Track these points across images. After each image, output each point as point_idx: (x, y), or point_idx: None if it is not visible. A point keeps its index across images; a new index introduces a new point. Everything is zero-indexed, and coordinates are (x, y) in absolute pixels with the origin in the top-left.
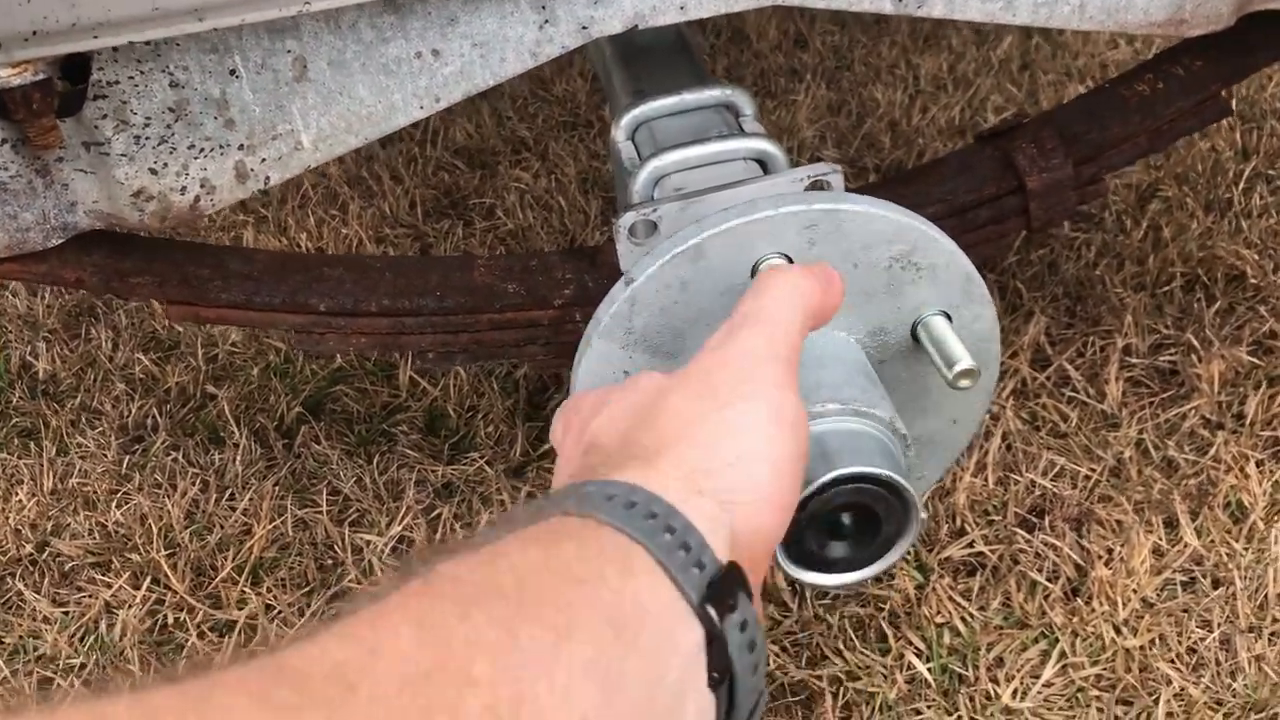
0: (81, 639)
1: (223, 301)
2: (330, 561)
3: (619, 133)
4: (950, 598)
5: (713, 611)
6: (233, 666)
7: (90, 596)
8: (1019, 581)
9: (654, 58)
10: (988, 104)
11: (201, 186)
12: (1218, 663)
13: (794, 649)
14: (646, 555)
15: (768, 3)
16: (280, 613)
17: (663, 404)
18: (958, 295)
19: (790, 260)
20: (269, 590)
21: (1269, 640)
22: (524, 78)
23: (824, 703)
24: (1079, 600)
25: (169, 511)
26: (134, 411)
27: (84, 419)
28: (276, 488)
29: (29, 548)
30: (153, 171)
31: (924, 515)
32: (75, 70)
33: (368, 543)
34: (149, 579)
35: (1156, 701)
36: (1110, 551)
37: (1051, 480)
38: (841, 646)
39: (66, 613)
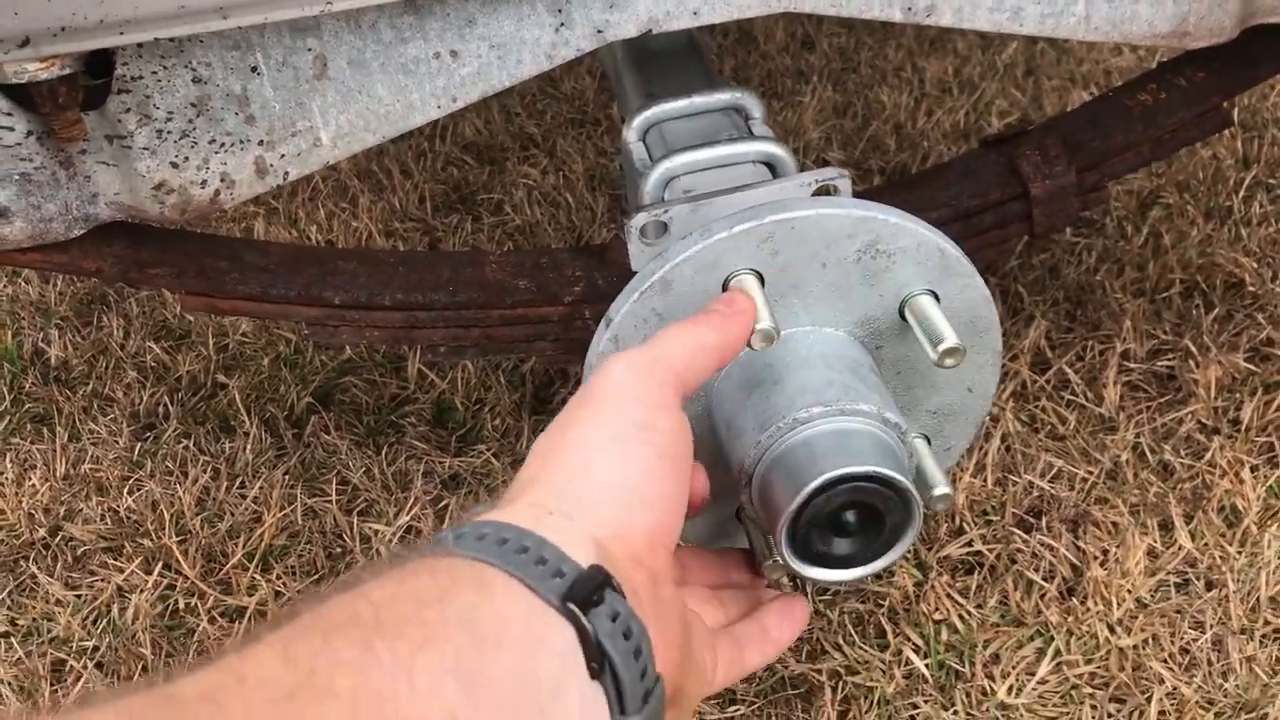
0: (94, 622)
1: (239, 293)
2: (339, 550)
3: (630, 134)
4: (948, 595)
5: (576, 609)
6: (106, 689)
7: (103, 581)
8: (1016, 580)
9: (665, 61)
10: (993, 108)
11: (221, 180)
12: (1210, 663)
13: (794, 643)
14: (500, 572)
15: (779, 9)
16: (289, 599)
17: (550, 438)
18: (936, 272)
19: (760, 274)
20: (278, 578)
21: (1260, 642)
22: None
23: (823, 696)
24: (1074, 600)
25: (180, 498)
26: (145, 399)
27: (96, 406)
28: (286, 476)
29: (42, 532)
30: (174, 165)
31: (948, 490)
32: (100, 64)
33: (376, 532)
34: (160, 564)
35: (1149, 700)
36: (1106, 553)
37: (1049, 482)
38: (841, 641)
39: (79, 596)
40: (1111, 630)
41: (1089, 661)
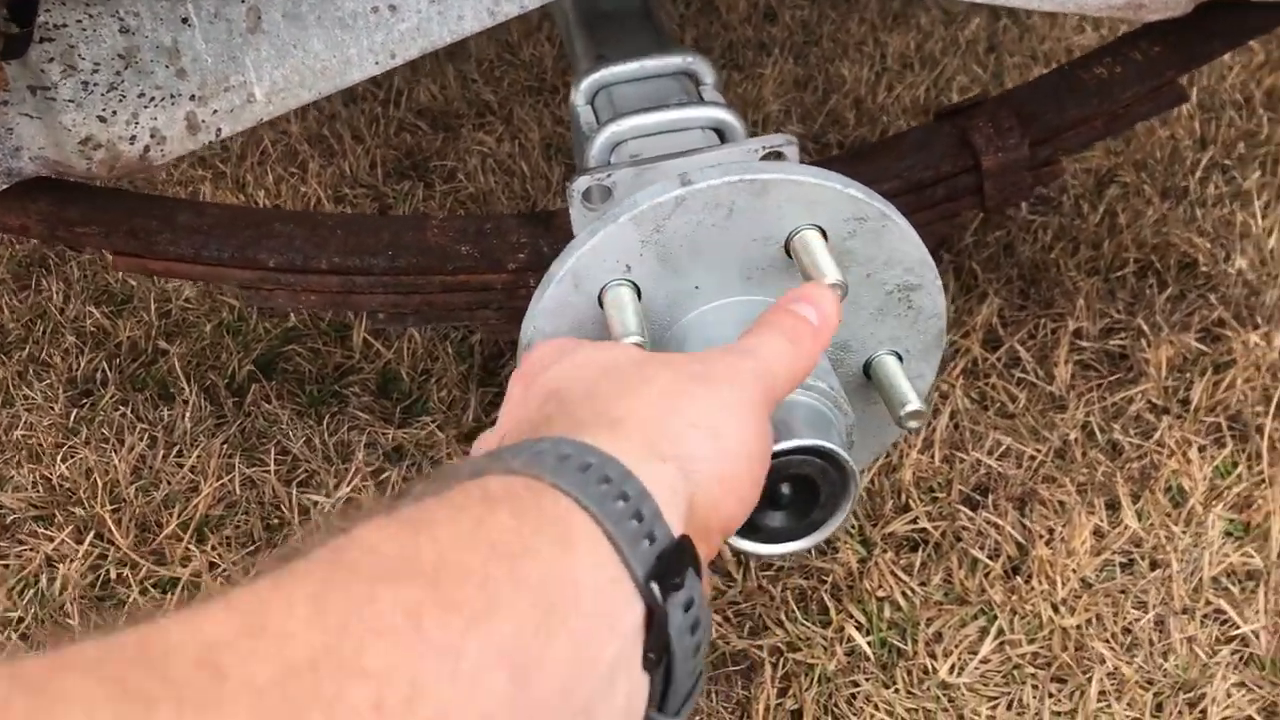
0: (21, 592)
1: (170, 254)
2: (277, 521)
3: (578, 97)
4: (892, 572)
5: (656, 589)
6: (92, 640)
7: (31, 550)
8: (960, 558)
9: (617, 23)
10: (953, 84)
11: (151, 136)
12: (1151, 643)
13: (736, 619)
14: (593, 524)
15: None
16: (225, 570)
17: (644, 374)
18: (825, 213)
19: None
20: (214, 548)
21: (1201, 622)
22: (490, 40)
23: (764, 673)
24: (1019, 579)
25: (115, 466)
26: (83, 365)
27: (32, 371)
28: (225, 445)
29: None
30: (101, 119)
31: (919, 406)
32: (22, 11)
33: (315, 503)
34: (92, 533)
35: (1090, 680)
36: (1051, 531)
37: (997, 460)
38: (783, 617)
39: (6, 566)
40: (1055, 610)
41: (1032, 641)
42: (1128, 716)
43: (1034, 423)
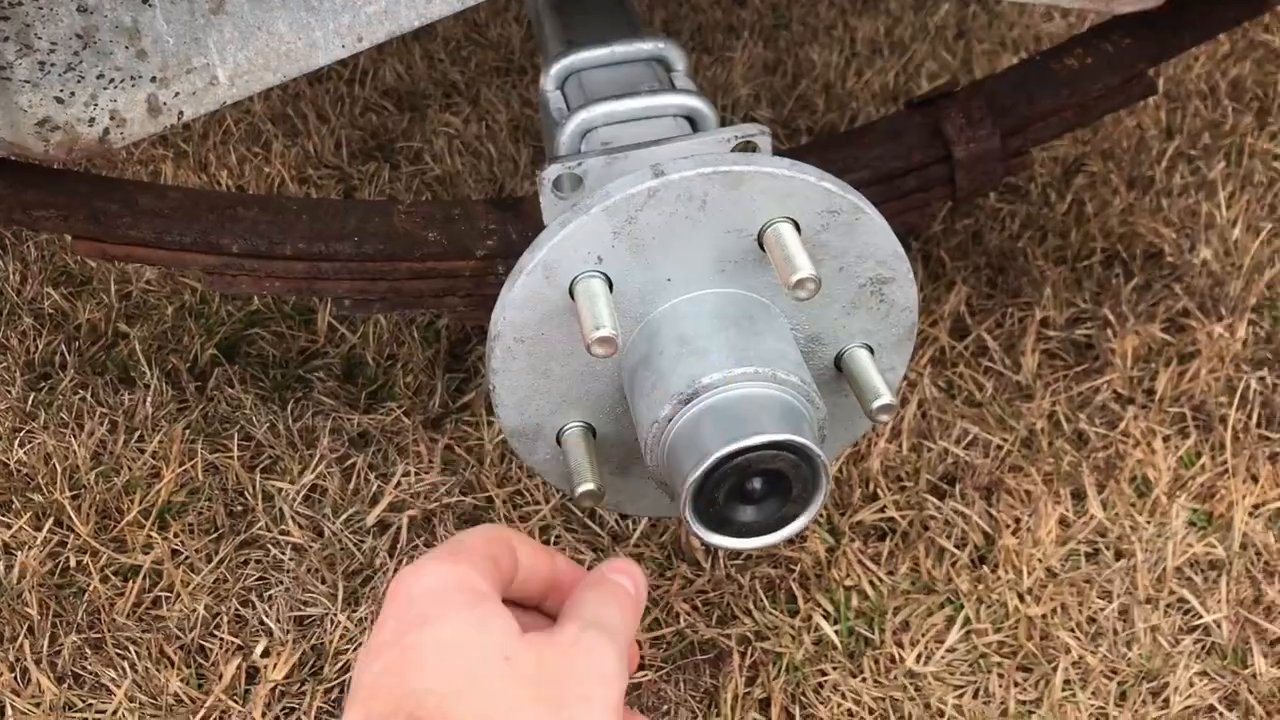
0: None
1: (131, 239)
2: (240, 508)
3: (548, 82)
4: (860, 561)
5: None
6: None
7: None
8: (928, 548)
9: (587, 7)
10: (922, 70)
11: (111, 118)
12: (1115, 632)
13: (705, 608)
14: None
15: None
16: (187, 558)
17: (500, 691)
18: (798, 206)
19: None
20: (176, 535)
21: (1165, 612)
22: (458, 21)
23: (732, 662)
24: (985, 568)
25: (75, 452)
26: (41, 348)
27: None
28: (187, 431)
29: None
30: (59, 100)
31: (890, 401)
32: None
33: (279, 490)
34: (51, 520)
35: (1055, 669)
36: (1018, 521)
37: (964, 449)
38: (751, 607)
39: None
40: (1021, 599)
41: (998, 630)
42: (1092, 705)
43: (1001, 412)
